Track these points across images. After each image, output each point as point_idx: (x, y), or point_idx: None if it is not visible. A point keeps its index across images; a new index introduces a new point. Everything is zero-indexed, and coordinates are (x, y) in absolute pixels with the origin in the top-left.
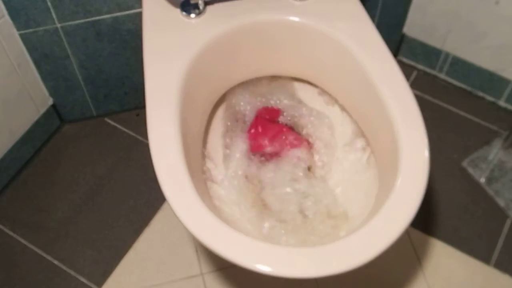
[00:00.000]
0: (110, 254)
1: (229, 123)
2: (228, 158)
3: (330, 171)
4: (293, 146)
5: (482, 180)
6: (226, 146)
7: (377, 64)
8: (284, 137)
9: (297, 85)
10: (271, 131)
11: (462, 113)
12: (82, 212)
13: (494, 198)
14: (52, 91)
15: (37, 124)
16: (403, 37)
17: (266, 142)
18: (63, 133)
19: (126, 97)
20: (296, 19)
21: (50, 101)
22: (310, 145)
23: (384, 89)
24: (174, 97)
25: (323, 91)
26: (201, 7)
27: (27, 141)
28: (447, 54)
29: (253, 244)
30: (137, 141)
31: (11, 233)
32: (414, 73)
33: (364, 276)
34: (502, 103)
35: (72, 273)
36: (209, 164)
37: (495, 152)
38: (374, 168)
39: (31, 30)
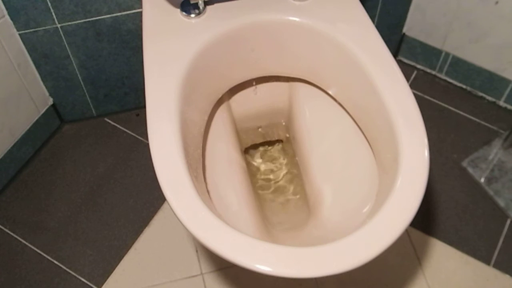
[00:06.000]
0: (110, 254)
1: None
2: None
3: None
4: None
5: (482, 180)
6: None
7: (376, 64)
8: None
9: (297, 85)
10: None
11: (462, 113)
12: (82, 212)
13: (494, 198)
14: (52, 91)
15: (37, 124)
16: (403, 37)
17: None
18: (63, 133)
19: (126, 97)
20: (296, 19)
21: (50, 101)
22: None
23: (384, 89)
24: (174, 97)
25: (323, 91)
26: (201, 7)
27: (27, 141)
28: (447, 54)
29: (253, 244)
30: (137, 141)
31: (11, 233)
32: (414, 73)
33: (364, 276)
34: (502, 103)
35: (72, 273)
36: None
37: (495, 152)
38: (373, 168)
39: (31, 30)
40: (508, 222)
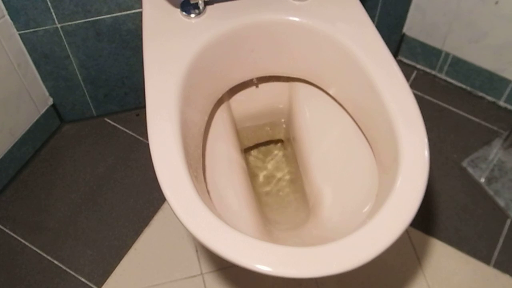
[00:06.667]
0: (110, 254)
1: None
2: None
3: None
4: None
5: (482, 180)
6: None
7: (377, 64)
8: None
9: (297, 85)
10: None
11: (462, 113)
12: (82, 212)
13: (494, 198)
14: (52, 91)
15: (37, 124)
16: (403, 37)
17: None
18: (63, 133)
19: (126, 97)
20: (296, 19)
21: (50, 101)
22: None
23: (384, 89)
24: (174, 97)
25: (323, 91)
26: (201, 7)
27: (27, 141)
28: (447, 54)
29: (253, 244)
30: (137, 141)
31: (11, 233)
32: (414, 73)
33: (364, 276)
34: (502, 103)
35: (72, 273)
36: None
37: (495, 152)
38: (373, 168)
39: (31, 30)
40: (508, 222)
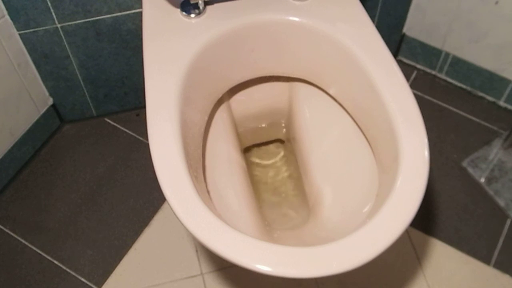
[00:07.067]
0: (110, 254)
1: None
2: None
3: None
4: None
5: (482, 180)
6: None
7: (377, 64)
8: None
9: (297, 85)
10: None
11: (462, 113)
12: (82, 212)
13: (494, 198)
14: (52, 91)
15: (37, 124)
16: (403, 37)
17: None
18: (63, 133)
19: (126, 97)
20: (296, 19)
21: (50, 101)
22: None
23: (384, 89)
24: (174, 97)
25: (323, 91)
26: (201, 7)
27: (27, 141)
28: (447, 54)
29: (253, 244)
30: (137, 141)
31: (11, 233)
32: (414, 73)
33: (364, 276)
34: (502, 103)
35: (72, 273)
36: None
37: (495, 152)
38: (373, 168)
39: (31, 30)
40: (508, 222)
